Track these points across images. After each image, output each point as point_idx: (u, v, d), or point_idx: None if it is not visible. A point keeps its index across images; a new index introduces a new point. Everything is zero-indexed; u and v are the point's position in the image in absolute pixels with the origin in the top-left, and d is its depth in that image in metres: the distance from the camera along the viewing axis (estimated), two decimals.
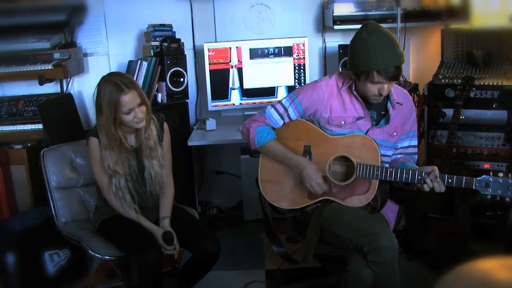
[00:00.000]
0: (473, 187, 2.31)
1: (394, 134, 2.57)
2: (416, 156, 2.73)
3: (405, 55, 2.42)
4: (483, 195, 2.32)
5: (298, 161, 2.57)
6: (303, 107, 2.58)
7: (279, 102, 2.65)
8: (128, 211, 2.70)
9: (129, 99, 2.53)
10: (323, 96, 2.54)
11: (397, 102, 2.56)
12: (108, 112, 2.53)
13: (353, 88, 2.51)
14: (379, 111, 2.59)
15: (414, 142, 2.70)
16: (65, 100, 3.94)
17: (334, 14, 3.92)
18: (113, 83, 2.53)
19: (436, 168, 2.35)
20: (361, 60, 2.37)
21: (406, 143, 2.67)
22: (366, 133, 2.53)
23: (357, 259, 2.36)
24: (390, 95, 2.54)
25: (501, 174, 2.29)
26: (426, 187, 2.36)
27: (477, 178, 2.31)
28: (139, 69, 3.82)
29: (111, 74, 2.66)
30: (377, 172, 2.45)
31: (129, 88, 2.54)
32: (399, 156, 2.67)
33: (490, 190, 2.30)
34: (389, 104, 2.56)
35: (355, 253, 2.37)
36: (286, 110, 2.60)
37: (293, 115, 2.61)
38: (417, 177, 2.37)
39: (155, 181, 2.74)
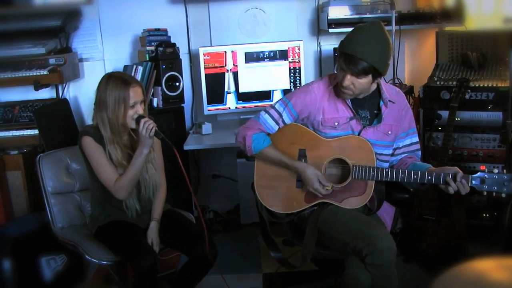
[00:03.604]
0: (469, 184, 2.32)
1: (389, 132, 2.57)
2: (419, 153, 2.73)
3: (383, 64, 2.37)
4: (480, 196, 2.33)
5: (295, 166, 2.57)
6: (296, 110, 2.59)
7: (273, 107, 2.65)
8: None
9: (135, 92, 2.59)
10: (315, 99, 2.55)
11: (389, 100, 2.56)
12: (115, 105, 2.57)
13: None
14: (371, 110, 2.59)
15: (416, 139, 2.71)
16: (61, 106, 3.94)
17: (329, 18, 3.94)
18: (119, 78, 2.61)
19: (458, 169, 2.35)
20: (342, 40, 2.42)
21: (407, 141, 2.67)
22: (359, 133, 2.54)
23: (355, 262, 2.35)
24: (382, 94, 2.55)
25: (496, 171, 2.31)
26: (450, 189, 2.35)
27: (473, 175, 2.33)
28: (134, 74, 3.82)
29: (113, 72, 2.72)
30: (373, 173, 2.45)
31: (136, 83, 2.63)
32: (403, 155, 2.67)
33: (486, 187, 2.31)
34: (381, 102, 2.57)
35: (353, 256, 2.36)
36: (280, 115, 2.61)
37: (287, 120, 2.62)
38: (413, 176, 2.37)
39: (150, 184, 2.75)
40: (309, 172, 2.52)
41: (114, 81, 2.59)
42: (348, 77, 2.38)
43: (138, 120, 2.58)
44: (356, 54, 2.31)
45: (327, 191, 2.53)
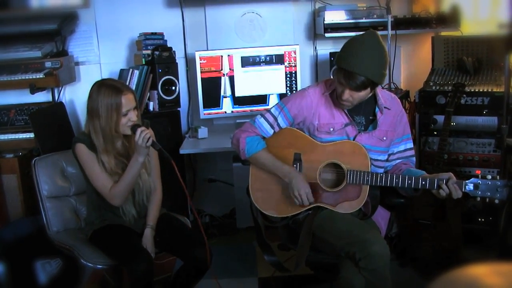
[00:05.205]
0: (463, 190, 2.33)
1: (384, 138, 2.58)
2: (414, 159, 2.73)
3: (381, 75, 2.38)
4: (475, 201, 2.34)
5: (287, 171, 2.57)
6: (292, 115, 2.59)
7: (268, 111, 2.66)
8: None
9: (128, 100, 2.56)
10: (311, 104, 2.56)
11: (384, 107, 2.57)
12: (108, 114, 2.54)
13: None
14: (367, 116, 2.60)
15: (410, 145, 2.71)
16: (57, 109, 3.93)
17: (325, 22, 3.95)
18: (110, 86, 2.57)
19: (452, 174, 2.36)
20: (339, 54, 2.41)
21: (402, 147, 2.68)
22: (354, 139, 2.55)
23: (348, 266, 2.36)
24: (378, 100, 2.56)
25: (489, 177, 2.33)
26: (442, 193, 2.35)
27: (466, 181, 2.34)
28: (130, 78, 3.82)
29: (104, 79, 2.69)
30: (367, 178, 2.46)
31: (127, 90, 2.59)
32: (398, 161, 2.68)
33: (480, 192, 2.33)
34: (377, 109, 2.57)
35: (347, 260, 2.37)
36: (275, 119, 2.62)
37: (282, 124, 2.62)
38: (407, 181, 2.38)
39: (143, 190, 2.74)
40: (296, 180, 2.53)
41: (106, 89, 2.55)
42: (347, 91, 2.39)
43: (134, 129, 2.56)
44: (355, 70, 2.31)
45: (307, 202, 2.54)
